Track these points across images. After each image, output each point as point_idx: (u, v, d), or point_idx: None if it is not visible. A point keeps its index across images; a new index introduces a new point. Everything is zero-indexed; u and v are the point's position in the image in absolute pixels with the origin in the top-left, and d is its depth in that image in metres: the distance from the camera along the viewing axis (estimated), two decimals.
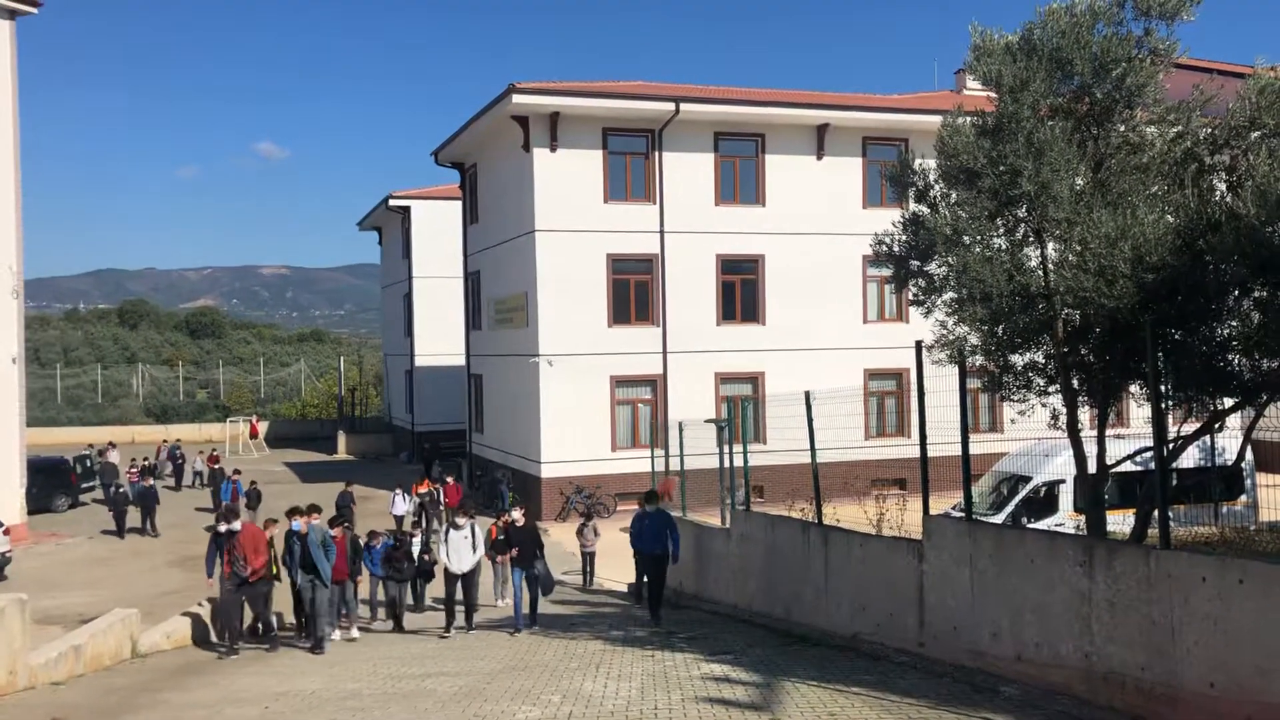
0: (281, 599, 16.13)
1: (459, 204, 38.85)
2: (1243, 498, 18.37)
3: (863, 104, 32.88)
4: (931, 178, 10.94)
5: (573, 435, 29.45)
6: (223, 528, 14.72)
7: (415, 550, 17.74)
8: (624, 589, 20.01)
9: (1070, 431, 10.79)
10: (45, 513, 31.93)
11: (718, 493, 17.88)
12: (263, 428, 56.77)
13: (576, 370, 29.41)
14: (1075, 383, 10.49)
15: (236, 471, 31.21)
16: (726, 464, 17.33)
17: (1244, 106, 9.85)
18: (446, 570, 15.27)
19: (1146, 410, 8.65)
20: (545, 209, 29.36)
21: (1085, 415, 11.01)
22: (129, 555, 26.56)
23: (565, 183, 29.43)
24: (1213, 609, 7.32)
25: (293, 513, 14.93)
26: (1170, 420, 9.40)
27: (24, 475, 28.92)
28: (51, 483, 33.23)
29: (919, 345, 10.90)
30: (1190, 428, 9.91)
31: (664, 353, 30.26)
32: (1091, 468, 10.81)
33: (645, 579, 15.52)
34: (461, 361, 38.96)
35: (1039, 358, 10.70)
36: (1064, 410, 10.82)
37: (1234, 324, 8.88)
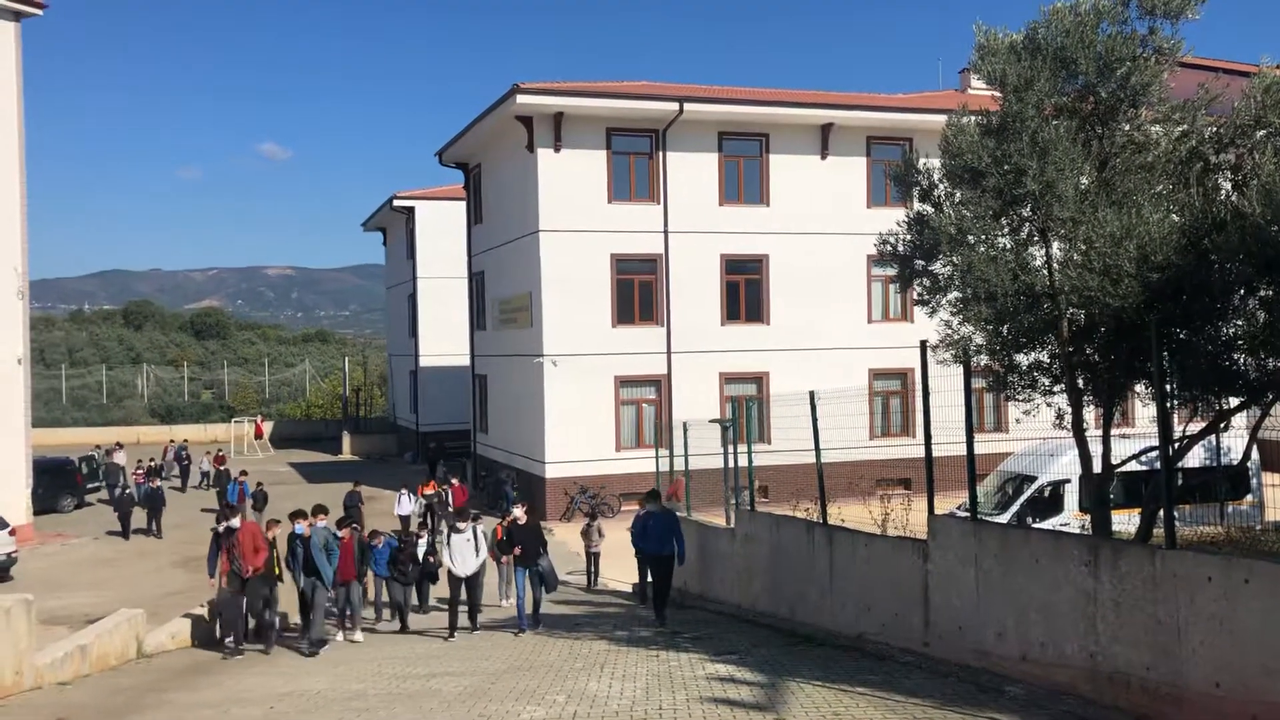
0: (287, 600, 16.16)
1: (463, 204, 38.89)
2: (1248, 497, 18.34)
3: (867, 103, 32.86)
4: (936, 177, 10.94)
5: (577, 435, 29.47)
6: (221, 527, 14.75)
7: (420, 552, 17.74)
8: (628, 589, 20.02)
9: (1075, 431, 10.78)
10: (51, 513, 31.98)
11: (722, 493, 17.89)
12: (268, 428, 56.84)
13: (581, 370, 29.42)
14: (1080, 382, 10.47)
15: (243, 473, 31.26)
16: (731, 464, 17.33)
17: (1249, 105, 9.83)
18: (450, 573, 15.26)
19: (1151, 410, 8.64)
20: (549, 209, 29.37)
21: (1090, 415, 10.99)
22: (134, 556, 26.61)
23: (569, 183, 29.44)
24: (1218, 609, 7.30)
25: (296, 516, 14.88)
26: (1175, 420, 9.39)
27: (30, 476, 28.98)
28: (57, 483, 33.30)
29: (924, 345, 10.89)
30: (1195, 427, 9.90)
31: (668, 353, 30.26)
32: (1097, 467, 10.80)
33: (650, 579, 15.50)
34: (466, 362, 38.98)
35: (1044, 357, 10.69)
36: (1069, 410, 10.81)
37: (1239, 323, 8.86)
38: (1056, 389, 10.81)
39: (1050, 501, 18.31)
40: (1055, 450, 17.28)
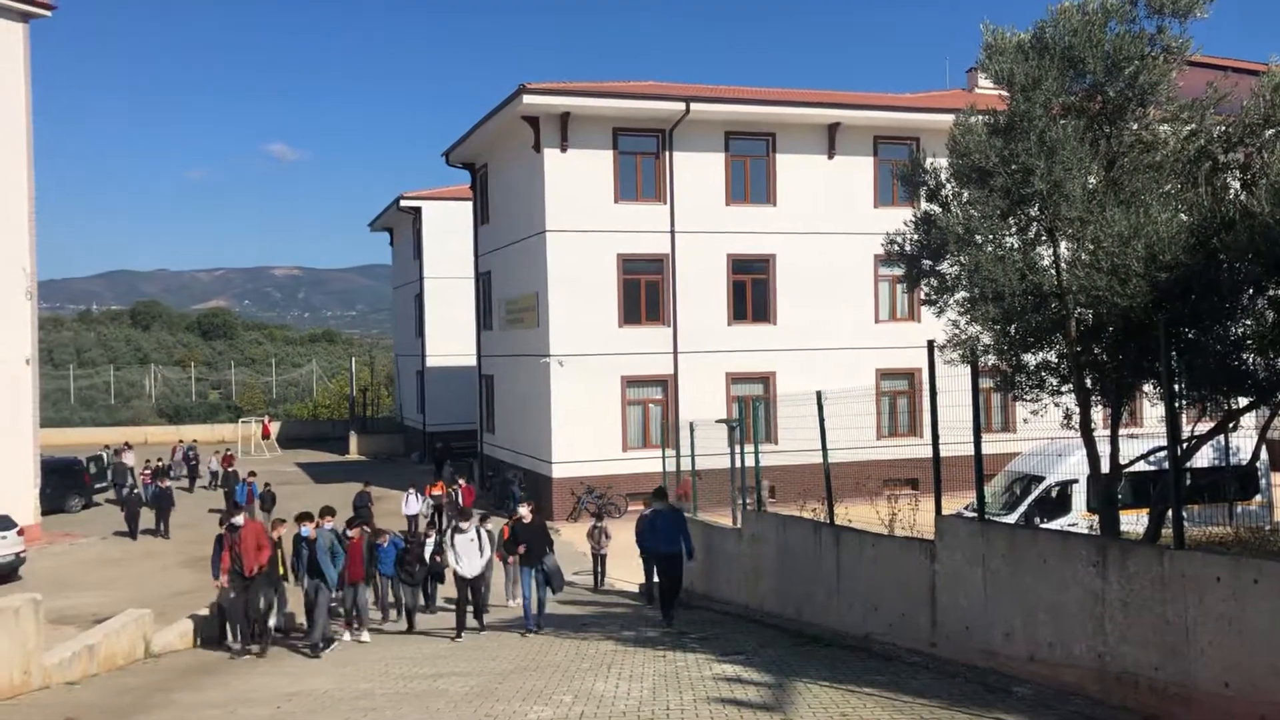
0: (295, 601, 16.18)
1: (470, 204, 38.91)
2: (1257, 497, 18.27)
3: (874, 103, 32.82)
4: (943, 177, 10.93)
5: (584, 435, 29.47)
6: (224, 526, 14.69)
7: (427, 552, 17.75)
8: (635, 589, 20.01)
9: (1083, 431, 10.76)
10: (59, 513, 32.08)
11: (728, 493, 17.87)
12: (275, 428, 56.94)
13: (587, 370, 29.42)
14: (1088, 382, 10.45)
15: (251, 473, 31.30)
16: (738, 464, 17.31)
17: (1258, 104, 9.80)
18: (456, 573, 15.24)
19: (1160, 410, 8.61)
20: (556, 209, 29.37)
21: (1098, 415, 10.97)
22: (141, 556, 26.68)
23: (576, 183, 29.44)
24: (1227, 609, 7.28)
25: (303, 518, 14.86)
26: (1184, 420, 9.36)
27: (38, 476, 29.07)
28: (65, 483, 33.40)
29: (931, 345, 10.87)
30: (1204, 427, 9.87)
31: (675, 353, 30.24)
32: (1105, 467, 10.78)
33: (656, 579, 15.47)
34: (473, 362, 39.00)
35: (1052, 357, 10.67)
36: (1077, 410, 10.78)
37: (1248, 323, 8.84)
38: (1064, 389, 10.79)
39: (1058, 502, 18.25)
40: (1063, 450, 17.21)
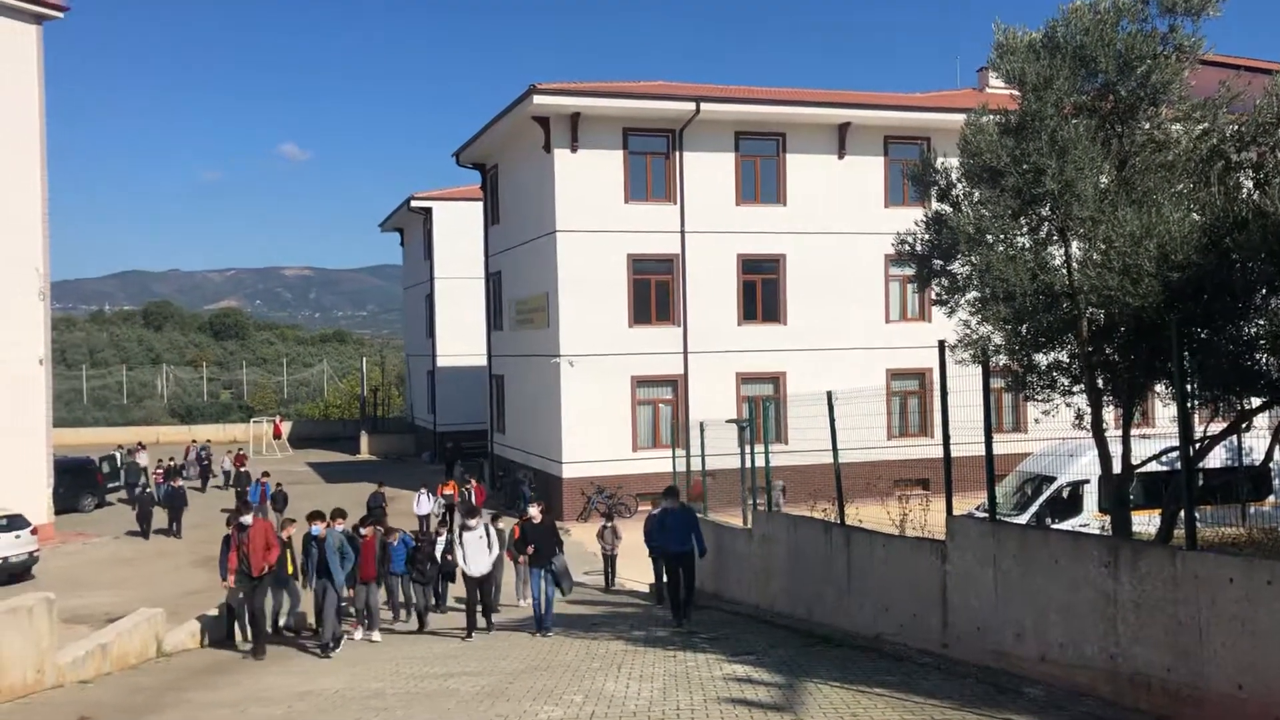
0: (306, 602, 16.21)
1: (480, 205, 38.98)
2: (1270, 498, 18.17)
3: (884, 103, 32.77)
4: (954, 176, 10.91)
5: (594, 435, 29.49)
6: (232, 526, 14.72)
7: (439, 551, 17.77)
8: (645, 589, 20.01)
9: (1095, 431, 10.73)
10: (72, 512, 32.22)
11: (739, 493, 17.86)
12: (286, 428, 57.14)
13: (597, 370, 29.44)
14: (1100, 382, 10.42)
15: (265, 474, 31.39)
16: (748, 464, 17.30)
17: (1271, 103, 9.76)
18: (465, 573, 15.23)
19: (1172, 410, 8.59)
20: (566, 209, 29.40)
21: (1110, 415, 10.93)
22: (154, 555, 26.79)
23: (586, 183, 29.47)
24: (1240, 610, 7.25)
25: (314, 517, 14.83)
26: (1196, 420, 9.32)
27: (51, 475, 29.22)
28: (78, 483, 33.55)
29: (942, 345, 10.85)
30: (1217, 427, 9.83)
31: (685, 353, 30.25)
32: (1116, 468, 10.74)
33: (667, 578, 15.44)
34: (483, 362, 39.08)
35: (1063, 357, 10.64)
36: (1088, 410, 10.75)
37: (1261, 322, 8.80)
38: (1076, 389, 10.76)
39: (1069, 502, 18.19)
40: (1075, 450, 17.15)
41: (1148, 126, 10.23)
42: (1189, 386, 8.66)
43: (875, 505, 15.37)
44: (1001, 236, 10.16)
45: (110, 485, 35.92)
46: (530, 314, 32.32)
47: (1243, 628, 7.23)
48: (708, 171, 30.35)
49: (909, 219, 12.14)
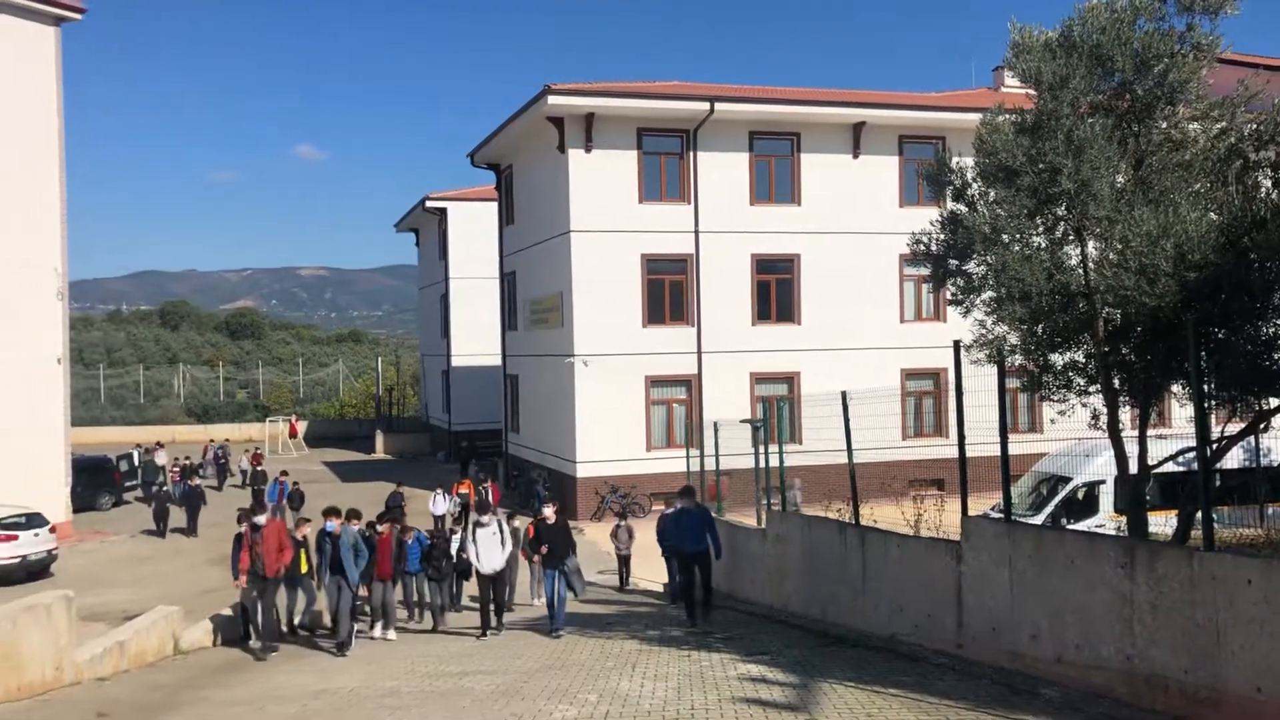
0: (322, 599, 16.26)
1: (495, 205, 39.06)
2: None
3: (899, 102, 32.71)
4: (969, 176, 10.89)
5: (608, 435, 29.52)
6: (245, 526, 14.69)
7: (454, 548, 17.81)
8: (659, 589, 20.02)
9: (1111, 432, 10.68)
10: (89, 511, 32.42)
11: (753, 493, 17.86)
12: (302, 427, 57.36)
13: (611, 370, 29.47)
14: (1116, 382, 10.38)
15: (283, 473, 31.49)
16: (762, 464, 17.29)
17: None
18: (477, 570, 15.23)
19: (1189, 410, 8.55)
20: (580, 209, 29.44)
21: (1126, 415, 10.88)
22: (170, 553, 26.94)
23: (600, 183, 29.50)
24: (1259, 612, 7.21)
25: (329, 513, 14.86)
26: (1214, 420, 9.28)
27: (69, 474, 29.41)
28: (95, 481, 33.75)
29: (957, 345, 10.82)
30: (1234, 428, 9.78)
31: (699, 353, 30.24)
32: (1133, 468, 10.69)
33: (682, 578, 15.41)
34: (498, 361, 39.16)
35: (1079, 357, 10.60)
36: (1104, 410, 10.70)
37: (1279, 322, 8.75)
38: (1092, 389, 10.72)
39: (1085, 503, 18.12)
40: (1090, 451, 17.10)
41: (1165, 125, 10.18)
42: (1206, 387, 8.61)
43: (890, 505, 15.35)
44: (1017, 236, 10.13)
45: (127, 484, 36.13)
46: (545, 314, 32.37)
47: (1261, 629, 7.19)
48: (722, 171, 30.34)
49: (924, 219, 12.11)
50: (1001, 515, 10.65)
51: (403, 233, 56.66)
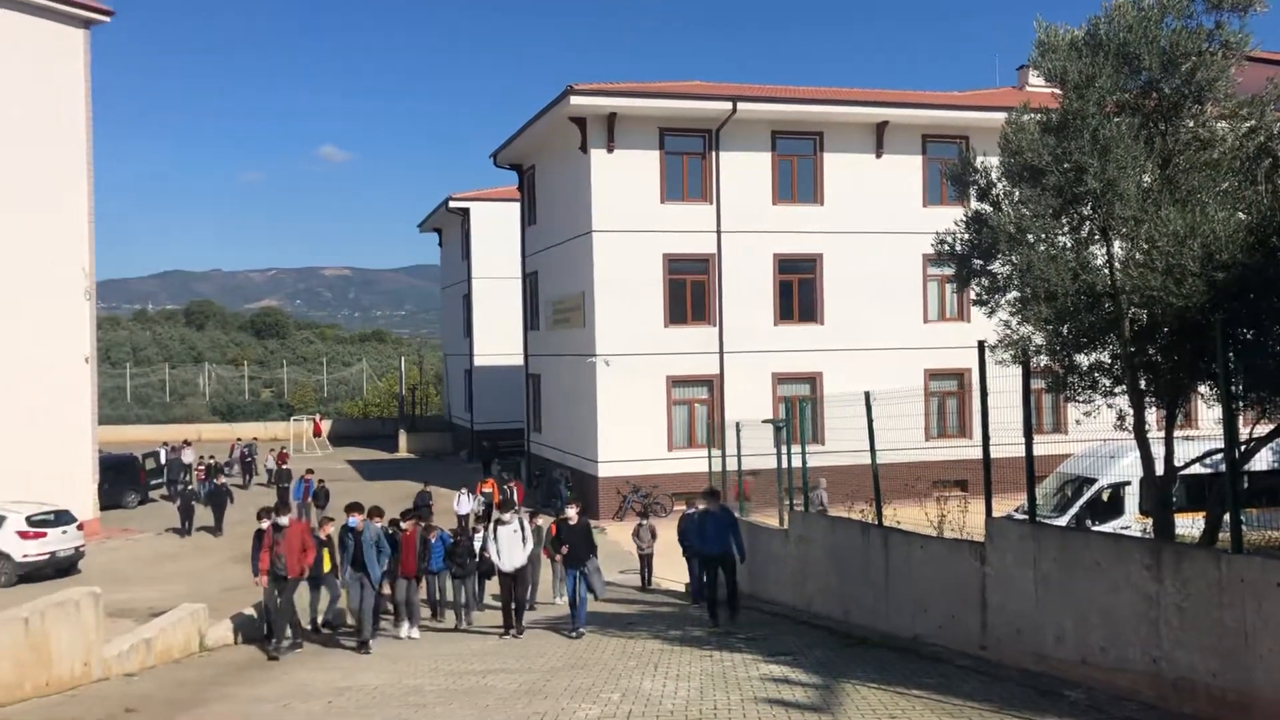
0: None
1: (517, 205, 39.15)
2: None
3: (922, 101, 32.60)
4: (994, 175, 10.83)
5: (629, 435, 29.54)
6: (266, 524, 14.71)
7: (477, 545, 17.85)
8: (681, 589, 20.02)
9: (1137, 433, 10.61)
10: (116, 508, 32.69)
11: (775, 493, 17.83)
12: (326, 426, 57.65)
13: (633, 370, 29.49)
14: (1142, 383, 10.31)
15: (309, 471, 31.66)
16: (784, 465, 17.26)
17: None
18: (500, 570, 15.25)
19: (1216, 411, 8.49)
20: (602, 210, 29.47)
21: (1152, 416, 10.81)
22: (195, 551, 27.15)
23: (622, 183, 29.52)
24: None
25: (351, 508, 14.87)
26: (1241, 421, 9.20)
27: (96, 472, 29.69)
28: (122, 479, 34.05)
29: (981, 345, 10.78)
30: (1263, 429, 9.69)
31: (720, 353, 30.22)
32: (1159, 469, 10.62)
33: (706, 579, 15.39)
34: (519, 361, 39.25)
35: (1105, 358, 10.53)
36: (1130, 411, 10.63)
37: None
38: (1117, 390, 10.65)
39: (1110, 504, 18.00)
40: (1116, 452, 16.98)
41: (1192, 124, 10.09)
42: (1234, 387, 8.55)
43: (913, 506, 15.29)
44: (1043, 236, 10.07)
45: (153, 482, 36.43)
46: (566, 313, 32.43)
47: None
48: (744, 171, 30.30)
49: (947, 218, 12.06)
50: (1026, 516, 10.60)
51: (426, 233, 56.88)
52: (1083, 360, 10.64)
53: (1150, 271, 8.98)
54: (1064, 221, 10.23)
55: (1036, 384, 10.78)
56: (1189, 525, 11.47)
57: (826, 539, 15.07)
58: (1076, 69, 9.82)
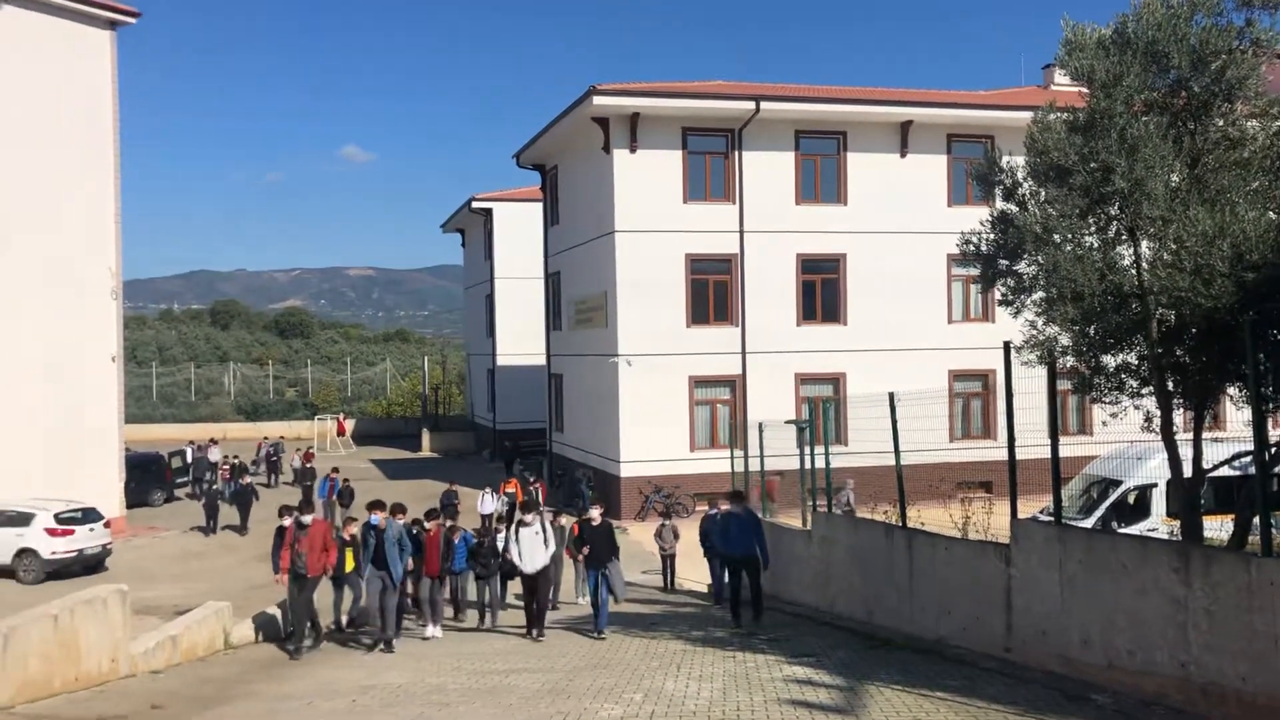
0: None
1: (540, 205, 39.22)
2: None
3: (947, 101, 32.44)
4: (1020, 175, 10.77)
5: (651, 435, 29.53)
6: (288, 520, 14.73)
7: (500, 544, 17.88)
8: (704, 590, 19.99)
9: (1164, 434, 10.52)
10: (142, 506, 32.95)
11: (798, 494, 17.78)
12: (350, 425, 57.93)
13: (655, 370, 29.47)
14: (1170, 384, 10.22)
15: (334, 470, 31.80)
16: (807, 465, 17.21)
17: None
18: (520, 570, 15.24)
19: (1245, 413, 8.40)
20: (625, 210, 29.48)
21: (1179, 418, 10.71)
22: (220, 550, 27.33)
23: (645, 183, 29.52)
24: None
25: (373, 506, 14.89)
26: (1271, 424, 9.11)
27: (122, 470, 29.95)
28: (148, 478, 34.31)
29: (1007, 346, 10.72)
30: None
31: (743, 353, 30.17)
32: (1187, 471, 10.52)
33: (729, 580, 15.35)
34: (542, 361, 39.32)
35: (1132, 359, 10.45)
36: (1158, 413, 10.54)
37: None
38: (1145, 391, 10.56)
39: (1137, 506, 17.86)
40: (1143, 454, 16.85)
41: (1221, 123, 10.00)
42: (1264, 389, 8.46)
43: (937, 508, 15.22)
44: (1069, 236, 10.00)
45: (179, 480, 36.71)
46: (589, 313, 32.46)
47: None
48: (767, 171, 30.23)
49: (972, 218, 12.01)
50: (1051, 518, 10.53)
51: (449, 233, 57.07)
52: (1109, 361, 10.56)
53: (1178, 272, 8.91)
54: (1091, 221, 10.16)
55: (1062, 385, 10.72)
56: (1217, 528, 11.37)
57: (850, 540, 15.01)
58: (1104, 67, 9.75)
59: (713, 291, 30.27)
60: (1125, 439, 13.06)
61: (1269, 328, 8.72)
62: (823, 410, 17.67)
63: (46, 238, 27.38)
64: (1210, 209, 9.04)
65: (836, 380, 30.67)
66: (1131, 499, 17.94)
